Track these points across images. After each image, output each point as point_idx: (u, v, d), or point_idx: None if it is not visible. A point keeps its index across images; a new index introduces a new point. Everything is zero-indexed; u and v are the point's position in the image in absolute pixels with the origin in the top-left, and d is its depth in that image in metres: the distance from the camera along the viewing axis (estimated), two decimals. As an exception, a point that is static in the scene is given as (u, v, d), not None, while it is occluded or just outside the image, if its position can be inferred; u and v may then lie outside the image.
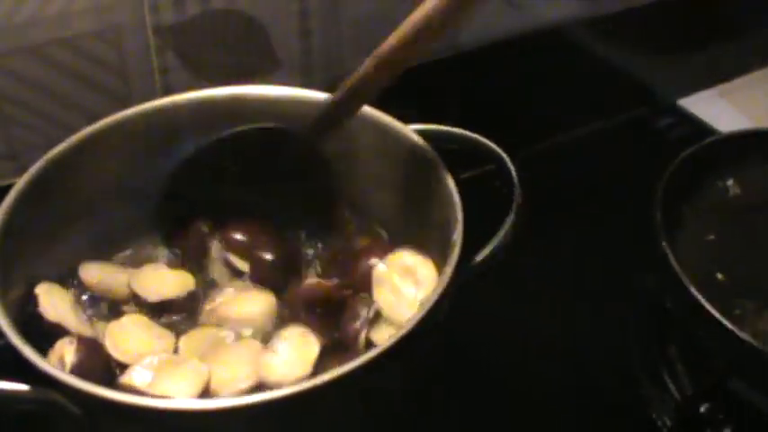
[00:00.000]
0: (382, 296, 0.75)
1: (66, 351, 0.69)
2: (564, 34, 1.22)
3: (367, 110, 0.80)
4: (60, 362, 0.68)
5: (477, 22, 1.18)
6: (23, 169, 0.80)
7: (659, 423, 0.82)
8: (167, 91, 0.99)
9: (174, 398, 0.67)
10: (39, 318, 0.72)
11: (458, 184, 0.75)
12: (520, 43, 1.19)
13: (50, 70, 0.92)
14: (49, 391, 0.62)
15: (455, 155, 0.78)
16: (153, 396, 0.66)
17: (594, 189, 1.05)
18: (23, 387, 0.62)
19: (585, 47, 1.24)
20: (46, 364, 0.62)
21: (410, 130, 0.80)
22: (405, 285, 0.74)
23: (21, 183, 0.75)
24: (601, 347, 0.89)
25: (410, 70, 1.14)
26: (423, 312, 0.65)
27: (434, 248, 0.75)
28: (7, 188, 0.76)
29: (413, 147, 0.79)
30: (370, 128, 0.81)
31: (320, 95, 0.81)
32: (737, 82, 1.24)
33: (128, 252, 0.85)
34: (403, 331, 0.63)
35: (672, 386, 0.84)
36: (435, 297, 0.66)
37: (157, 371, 0.70)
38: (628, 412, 0.84)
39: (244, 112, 0.82)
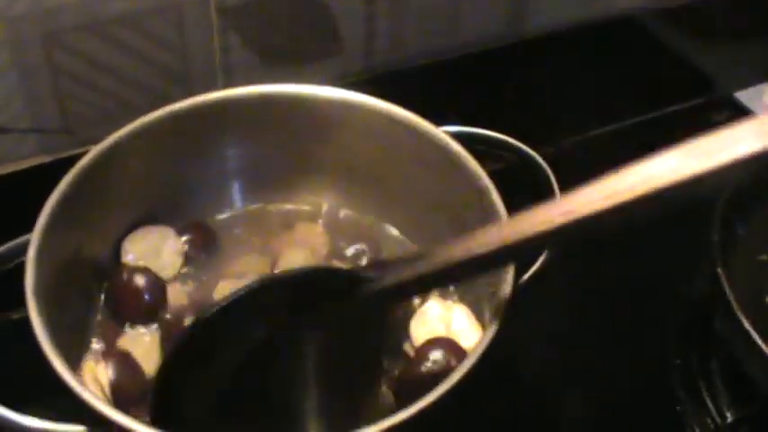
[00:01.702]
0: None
1: (99, 372, 0.69)
2: (628, 24, 1.21)
3: (399, 111, 0.79)
4: (96, 382, 0.68)
5: (545, 9, 1.17)
6: (78, 143, 0.81)
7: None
8: (227, 72, 1.00)
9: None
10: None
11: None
12: (582, 31, 1.18)
13: (109, 47, 0.93)
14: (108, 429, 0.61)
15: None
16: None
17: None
18: (81, 428, 0.62)
19: (649, 36, 1.23)
20: (122, 417, 0.60)
21: (443, 133, 0.78)
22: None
23: (76, 168, 0.74)
24: (639, 357, 0.87)
25: (470, 55, 1.15)
26: (489, 337, 0.64)
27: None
28: (63, 161, 0.77)
29: (449, 152, 0.77)
30: (403, 130, 0.80)
31: (379, 103, 0.80)
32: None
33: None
34: (473, 358, 0.63)
35: (710, 403, 0.83)
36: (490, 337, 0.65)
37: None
38: (662, 426, 0.83)
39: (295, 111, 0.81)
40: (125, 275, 0.77)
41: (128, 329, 0.77)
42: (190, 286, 0.81)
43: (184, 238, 0.82)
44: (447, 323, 0.76)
